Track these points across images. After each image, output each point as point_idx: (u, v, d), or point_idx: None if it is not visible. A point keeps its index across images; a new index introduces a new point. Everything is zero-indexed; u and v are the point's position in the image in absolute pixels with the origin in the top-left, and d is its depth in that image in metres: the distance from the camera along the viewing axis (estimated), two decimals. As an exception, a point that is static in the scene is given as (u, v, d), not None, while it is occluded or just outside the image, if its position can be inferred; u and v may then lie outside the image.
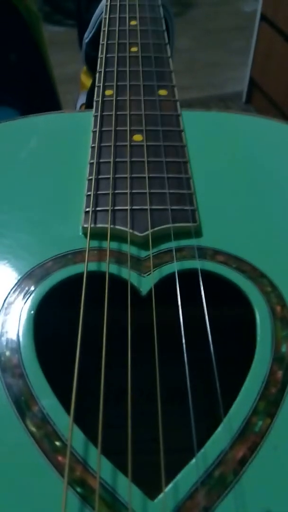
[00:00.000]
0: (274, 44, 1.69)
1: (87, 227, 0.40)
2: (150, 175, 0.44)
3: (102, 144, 0.46)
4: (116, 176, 0.44)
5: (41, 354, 0.33)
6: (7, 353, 0.32)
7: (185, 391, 0.30)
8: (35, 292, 0.36)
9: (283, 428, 0.29)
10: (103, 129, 0.48)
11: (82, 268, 0.37)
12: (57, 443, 0.28)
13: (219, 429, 0.29)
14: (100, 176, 0.43)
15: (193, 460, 0.27)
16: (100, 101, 0.51)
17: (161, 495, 0.26)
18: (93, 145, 0.46)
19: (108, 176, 0.44)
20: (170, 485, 0.26)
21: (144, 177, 0.43)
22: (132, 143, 0.46)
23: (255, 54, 1.82)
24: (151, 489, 0.27)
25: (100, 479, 0.27)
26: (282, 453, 0.28)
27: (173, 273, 0.37)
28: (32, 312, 0.34)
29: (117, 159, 0.45)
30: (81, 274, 0.36)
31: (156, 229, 0.40)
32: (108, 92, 0.52)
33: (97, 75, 0.55)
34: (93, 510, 0.25)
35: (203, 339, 0.33)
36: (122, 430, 0.28)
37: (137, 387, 0.31)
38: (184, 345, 0.33)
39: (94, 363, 0.32)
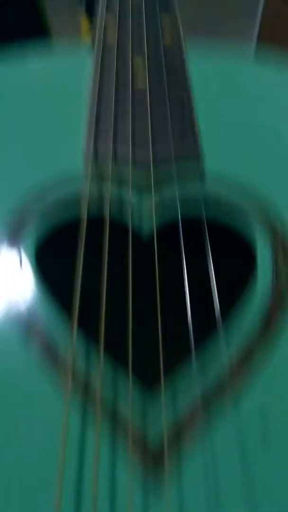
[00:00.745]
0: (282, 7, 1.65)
1: (87, 162, 0.39)
2: (153, 110, 0.43)
3: (103, 79, 0.46)
4: (118, 110, 0.43)
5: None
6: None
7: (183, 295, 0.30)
8: (32, 226, 0.36)
9: (280, 355, 0.29)
10: (104, 66, 0.48)
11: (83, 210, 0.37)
12: (59, 363, 0.29)
13: (218, 351, 0.29)
14: (98, 111, 0.43)
15: (192, 380, 0.28)
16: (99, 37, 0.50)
17: (160, 405, 0.27)
18: (93, 83, 0.46)
19: (109, 109, 0.43)
20: (169, 403, 0.27)
21: (147, 112, 0.43)
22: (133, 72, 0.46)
23: (263, 17, 1.77)
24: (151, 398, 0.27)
25: (101, 395, 0.27)
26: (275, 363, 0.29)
27: (176, 215, 0.37)
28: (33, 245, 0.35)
29: (118, 91, 0.44)
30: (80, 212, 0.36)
31: (158, 166, 0.39)
32: (108, 33, 0.51)
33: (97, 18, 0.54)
34: (93, 419, 0.26)
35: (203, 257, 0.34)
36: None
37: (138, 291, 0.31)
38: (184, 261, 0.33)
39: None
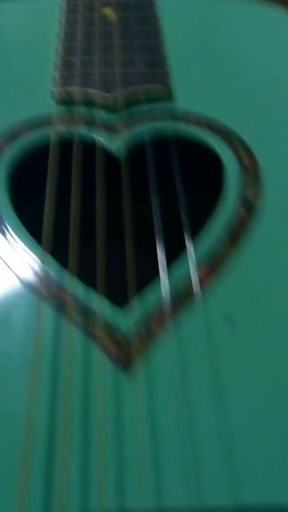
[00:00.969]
0: None
1: (55, 91, 0.40)
2: (121, 42, 0.43)
3: (71, 14, 0.46)
4: (86, 43, 0.43)
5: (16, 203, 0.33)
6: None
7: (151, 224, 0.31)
8: (6, 150, 0.36)
9: (244, 254, 0.30)
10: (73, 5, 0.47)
11: (51, 131, 0.37)
12: (32, 269, 0.29)
13: (185, 254, 0.30)
14: (68, 44, 0.43)
15: (159, 278, 0.29)
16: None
17: (129, 304, 0.28)
18: (62, 16, 0.46)
19: (77, 43, 0.43)
20: (138, 297, 0.28)
21: (114, 44, 0.43)
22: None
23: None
24: (120, 298, 0.28)
25: (72, 293, 0.28)
26: (241, 273, 0.30)
27: (144, 134, 0.38)
28: (4, 167, 0.35)
29: (87, 28, 0.44)
30: (50, 137, 0.36)
31: (126, 91, 0.40)
32: None
33: None
34: (66, 316, 0.27)
35: (174, 193, 0.34)
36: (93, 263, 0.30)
37: (109, 225, 0.32)
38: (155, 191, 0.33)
39: (66, 209, 0.33)
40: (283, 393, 0.25)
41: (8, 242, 0.31)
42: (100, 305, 0.28)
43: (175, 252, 0.31)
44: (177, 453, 0.22)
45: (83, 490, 0.21)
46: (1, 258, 0.30)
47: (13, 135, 0.37)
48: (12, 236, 0.31)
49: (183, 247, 0.31)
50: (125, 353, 0.26)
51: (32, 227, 0.32)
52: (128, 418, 0.24)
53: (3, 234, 0.31)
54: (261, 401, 0.24)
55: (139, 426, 0.23)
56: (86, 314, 0.28)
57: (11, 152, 0.36)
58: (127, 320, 0.27)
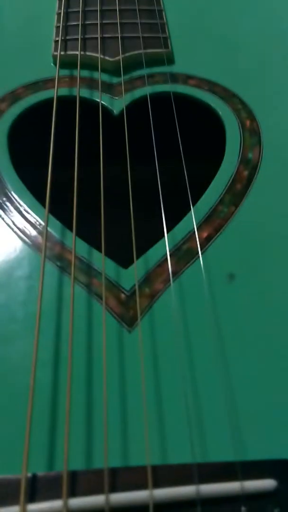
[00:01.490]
0: None
1: (57, 55, 0.40)
2: (122, 7, 0.43)
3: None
4: (87, 9, 0.43)
5: (18, 167, 0.34)
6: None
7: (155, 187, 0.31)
8: (7, 113, 0.36)
9: (245, 214, 0.31)
10: None
11: (53, 93, 0.37)
12: (36, 230, 0.30)
13: (187, 215, 0.30)
14: (69, 10, 0.43)
15: (163, 238, 0.29)
16: None
17: (132, 264, 0.28)
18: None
19: (78, 9, 0.43)
20: (141, 258, 0.29)
21: (115, 9, 0.43)
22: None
23: None
24: (124, 259, 0.29)
25: (75, 254, 0.28)
26: (243, 230, 0.30)
27: (145, 96, 0.38)
28: (5, 130, 0.35)
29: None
30: (52, 99, 0.36)
31: (127, 54, 0.40)
32: None
33: None
34: (69, 275, 0.27)
35: (175, 151, 0.34)
36: (96, 224, 0.30)
37: (111, 188, 0.32)
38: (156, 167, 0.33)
39: (68, 171, 0.33)
40: (282, 343, 0.25)
41: (11, 204, 0.31)
42: (103, 265, 0.28)
43: (177, 214, 0.31)
44: (180, 403, 0.23)
45: (87, 441, 0.22)
46: (5, 221, 0.30)
47: (16, 98, 0.37)
48: (15, 198, 0.31)
49: (185, 208, 0.31)
50: (128, 311, 0.27)
51: (34, 189, 0.32)
52: (131, 371, 0.24)
53: (6, 196, 0.31)
54: (261, 352, 0.25)
55: (142, 378, 0.24)
56: (90, 273, 0.28)
57: (14, 113, 0.36)
58: (130, 279, 0.28)
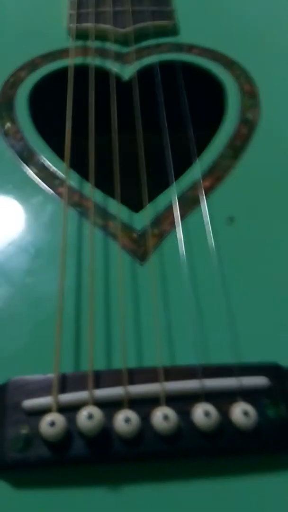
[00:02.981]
0: None
1: (71, 27, 0.43)
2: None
3: None
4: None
5: (38, 125, 0.37)
6: (8, 124, 0.37)
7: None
8: (27, 80, 0.40)
9: (244, 166, 0.34)
10: None
11: (68, 62, 0.40)
12: (57, 181, 0.33)
13: (192, 167, 0.34)
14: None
15: (170, 187, 0.33)
16: None
17: (143, 209, 0.32)
18: None
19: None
20: (150, 203, 0.32)
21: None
22: None
23: None
24: (135, 206, 0.32)
25: (93, 201, 0.32)
26: (242, 180, 0.34)
27: (153, 64, 0.41)
28: (26, 95, 0.39)
29: None
30: (67, 68, 0.40)
31: (136, 26, 0.43)
32: None
33: None
34: (88, 219, 0.31)
35: (181, 117, 0.38)
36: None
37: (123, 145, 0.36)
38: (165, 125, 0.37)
39: (83, 133, 0.36)
40: (275, 272, 0.29)
41: (34, 158, 0.35)
42: (117, 210, 0.32)
43: (182, 168, 0.35)
44: (185, 318, 0.27)
45: (107, 350, 0.26)
46: (28, 173, 0.34)
47: (34, 66, 0.41)
48: (37, 153, 0.35)
49: (190, 164, 0.35)
50: (140, 248, 0.30)
51: (53, 147, 0.36)
52: (143, 296, 0.28)
53: (29, 152, 0.35)
54: (258, 276, 0.29)
55: (153, 301, 0.27)
56: (106, 217, 0.32)
57: (33, 80, 0.39)
58: (142, 221, 0.32)
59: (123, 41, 0.43)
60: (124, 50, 0.42)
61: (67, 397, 0.24)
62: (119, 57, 0.42)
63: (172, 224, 0.31)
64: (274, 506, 0.22)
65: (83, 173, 0.34)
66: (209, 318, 0.27)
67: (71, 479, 0.22)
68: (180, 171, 0.35)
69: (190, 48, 0.43)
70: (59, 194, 0.33)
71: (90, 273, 0.29)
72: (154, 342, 0.26)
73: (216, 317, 0.27)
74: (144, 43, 0.43)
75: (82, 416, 0.22)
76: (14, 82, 0.40)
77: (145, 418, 0.23)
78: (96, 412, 0.22)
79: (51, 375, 0.24)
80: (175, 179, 0.34)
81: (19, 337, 0.27)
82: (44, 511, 0.22)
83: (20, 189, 0.33)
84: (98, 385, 0.24)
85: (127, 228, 0.31)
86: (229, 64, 0.41)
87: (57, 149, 0.35)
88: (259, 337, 0.27)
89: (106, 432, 0.23)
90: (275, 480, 0.22)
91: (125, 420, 0.22)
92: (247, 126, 0.37)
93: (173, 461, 0.23)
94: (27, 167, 0.34)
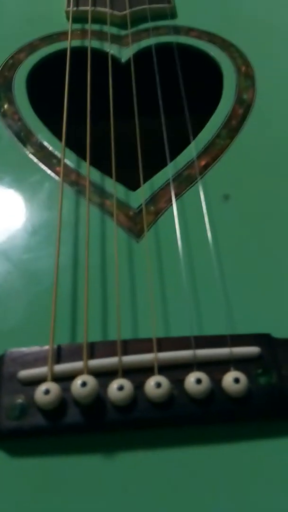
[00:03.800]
0: None
1: (69, 10, 0.43)
2: None
3: None
4: None
5: (36, 107, 0.38)
6: (5, 106, 0.37)
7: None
8: (26, 62, 0.40)
9: (239, 145, 0.35)
10: None
11: (66, 44, 0.41)
12: (54, 160, 0.34)
13: (188, 147, 0.34)
14: None
15: (166, 167, 0.33)
16: None
17: (139, 188, 0.32)
18: None
19: None
20: (147, 182, 0.33)
21: None
22: None
23: None
24: (132, 187, 0.33)
25: (90, 179, 0.32)
26: (237, 159, 0.34)
27: (151, 46, 0.41)
28: (24, 76, 0.39)
29: None
30: (66, 50, 0.40)
31: (134, 9, 0.43)
32: None
33: None
34: (85, 198, 0.32)
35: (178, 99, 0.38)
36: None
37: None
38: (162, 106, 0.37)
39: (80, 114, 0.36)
40: (271, 250, 0.29)
41: (32, 138, 0.35)
42: (114, 188, 0.32)
43: (179, 149, 0.35)
44: (180, 292, 0.27)
45: (103, 323, 0.26)
46: (26, 152, 0.34)
47: (33, 49, 0.41)
48: (35, 134, 0.35)
49: (187, 145, 0.35)
50: (136, 225, 0.31)
51: (51, 128, 0.36)
52: (139, 272, 0.28)
53: (27, 131, 0.35)
54: (253, 255, 0.29)
55: (149, 276, 0.28)
56: (103, 195, 0.32)
57: (32, 62, 0.40)
58: (138, 199, 0.32)
59: (121, 24, 0.43)
60: (122, 33, 0.43)
61: (62, 367, 0.24)
62: (117, 40, 0.42)
63: (169, 202, 0.32)
64: (265, 472, 0.22)
65: (81, 154, 0.34)
66: (203, 292, 0.27)
67: (66, 448, 0.23)
68: (177, 152, 0.35)
69: (187, 31, 0.43)
70: (56, 173, 0.33)
71: (86, 248, 0.29)
72: (149, 315, 0.26)
73: (210, 291, 0.27)
74: (142, 26, 0.43)
75: (76, 383, 0.23)
76: (12, 64, 0.40)
77: (139, 387, 0.23)
78: (90, 379, 0.23)
79: (47, 347, 0.25)
80: (172, 160, 0.34)
81: (17, 311, 0.27)
82: (39, 479, 0.22)
83: (18, 169, 0.34)
84: (93, 356, 0.24)
85: (123, 206, 0.32)
86: (226, 46, 0.41)
87: (55, 130, 0.36)
88: (252, 310, 0.27)
89: (100, 400, 0.23)
90: (267, 446, 0.23)
91: (118, 388, 0.23)
92: (243, 107, 0.37)
93: (166, 428, 0.23)
94: (24, 147, 0.35)
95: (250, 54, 0.41)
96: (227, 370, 0.24)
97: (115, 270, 0.28)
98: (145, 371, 0.24)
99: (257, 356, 0.24)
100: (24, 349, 0.25)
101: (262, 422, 0.23)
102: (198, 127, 0.36)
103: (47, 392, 0.23)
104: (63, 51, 0.40)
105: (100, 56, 0.41)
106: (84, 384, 0.23)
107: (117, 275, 0.28)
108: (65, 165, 0.33)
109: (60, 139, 0.34)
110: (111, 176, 0.33)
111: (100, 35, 0.42)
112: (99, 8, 0.43)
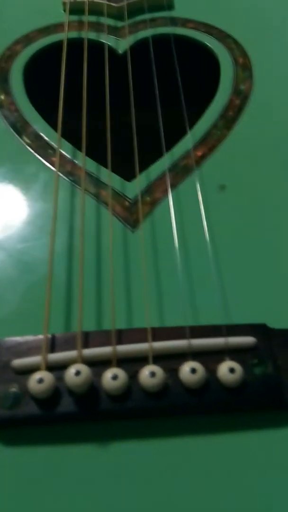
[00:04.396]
0: None
1: (66, 2, 0.43)
2: None
3: None
4: None
5: (33, 98, 0.37)
6: (2, 97, 0.37)
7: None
8: (22, 53, 0.40)
9: (236, 136, 0.34)
10: None
11: (63, 36, 0.40)
12: (50, 150, 0.34)
13: (184, 137, 0.34)
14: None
15: (162, 157, 0.33)
16: None
17: (135, 178, 0.32)
18: None
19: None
20: (143, 173, 0.32)
21: None
22: None
23: None
24: (128, 177, 0.32)
25: (86, 170, 0.32)
26: (233, 150, 0.34)
27: (148, 37, 0.41)
28: (21, 68, 0.39)
29: None
30: (62, 41, 0.40)
31: (131, 0, 0.43)
32: None
33: None
34: (80, 188, 0.31)
35: (175, 90, 0.38)
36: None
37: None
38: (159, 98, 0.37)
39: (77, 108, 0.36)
40: (267, 240, 0.29)
41: (28, 128, 0.35)
42: (110, 179, 0.32)
43: (176, 141, 0.35)
44: (175, 282, 0.27)
45: (97, 313, 0.26)
46: (22, 143, 0.34)
47: (29, 40, 0.41)
48: (31, 125, 0.35)
49: (183, 136, 0.35)
50: (132, 215, 0.30)
51: (47, 119, 0.36)
52: (134, 262, 0.28)
53: (23, 122, 0.35)
54: (248, 245, 0.29)
55: (144, 266, 0.28)
56: (98, 186, 0.32)
57: (28, 53, 0.40)
58: (134, 190, 0.32)
59: (118, 15, 0.43)
60: (119, 24, 0.42)
61: (56, 356, 0.24)
62: (114, 31, 0.42)
63: (165, 192, 0.31)
64: (260, 462, 0.22)
65: (77, 145, 0.34)
66: (198, 282, 0.27)
67: (60, 437, 0.22)
68: (173, 143, 0.35)
69: (184, 22, 0.42)
70: (52, 163, 0.33)
71: (80, 237, 0.29)
72: (144, 305, 0.26)
73: (205, 281, 0.27)
74: (139, 18, 0.43)
75: (70, 372, 0.22)
76: (9, 56, 0.40)
77: (133, 376, 0.23)
78: (84, 368, 0.23)
79: (41, 336, 0.24)
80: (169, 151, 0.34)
81: (11, 301, 0.27)
82: (33, 468, 0.22)
83: (14, 159, 0.34)
84: (87, 345, 0.24)
85: (119, 196, 0.31)
86: (223, 37, 0.41)
87: (51, 121, 0.35)
88: (248, 300, 0.27)
89: (94, 389, 0.23)
90: (262, 436, 0.23)
91: (112, 377, 0.22)
92: (240, 98, 0.37)
93: (160, 418, 0.23)
94: (20, 138, 0.34)
95: (248, 45, 0.40)
96: (222, 360, 0.23)
97: (110, 260, 0.28)
98: (140, 360, 0.23)
99: (252, 346, 0.24)
100: (18, 338, 0.25)
101: (257, 412, 0.23)
102: (195, 118, 0.36)
103: (40, 381, 0.22)
104: (60, 43, 0.40)
105: (97, 47, 0.40)
106: (78, 373, 0.22)
107: (112, 265, 0.27)
108: (61, 155, 0.33)
109: (56, 130, 0.34)
110: (107, 167, 0.32)
111: (97, 27, 0.42)
112: (96, 0, 0.43)
